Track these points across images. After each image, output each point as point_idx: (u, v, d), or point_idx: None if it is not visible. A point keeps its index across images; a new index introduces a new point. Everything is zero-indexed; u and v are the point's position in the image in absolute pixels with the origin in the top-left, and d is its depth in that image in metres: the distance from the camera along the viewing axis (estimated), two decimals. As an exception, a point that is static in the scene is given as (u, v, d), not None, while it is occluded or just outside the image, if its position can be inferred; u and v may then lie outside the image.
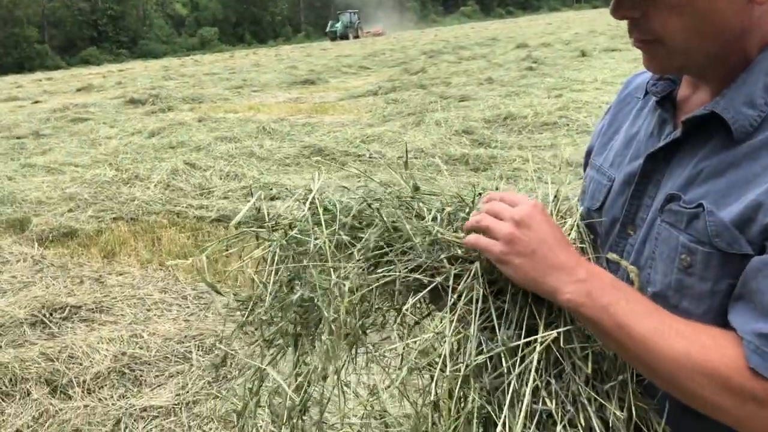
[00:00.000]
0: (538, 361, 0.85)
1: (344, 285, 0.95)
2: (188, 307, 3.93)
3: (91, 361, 3.26)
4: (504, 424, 0.83)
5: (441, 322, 0.91)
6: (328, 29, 53.64)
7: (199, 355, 3.31)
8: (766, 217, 0.75)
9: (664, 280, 0.85)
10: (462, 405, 0.87)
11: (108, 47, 50.23)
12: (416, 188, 1.07)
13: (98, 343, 3.43)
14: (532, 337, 0.86)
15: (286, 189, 6.03)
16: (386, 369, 1.10)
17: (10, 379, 3.14)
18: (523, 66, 15.17)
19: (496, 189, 1.08)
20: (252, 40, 56.56)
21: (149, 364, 3.26)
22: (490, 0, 79.81)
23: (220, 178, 6.66)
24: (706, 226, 0.79)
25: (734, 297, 0.79)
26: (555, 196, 1.05)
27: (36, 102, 17.43)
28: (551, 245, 0.84)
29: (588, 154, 1.18)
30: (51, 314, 3.87)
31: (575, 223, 0.98)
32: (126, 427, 2.78)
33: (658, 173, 0.91)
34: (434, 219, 1.00)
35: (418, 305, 1.02)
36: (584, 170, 1.19)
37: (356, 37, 49.83)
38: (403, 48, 27.20)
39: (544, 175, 5.84)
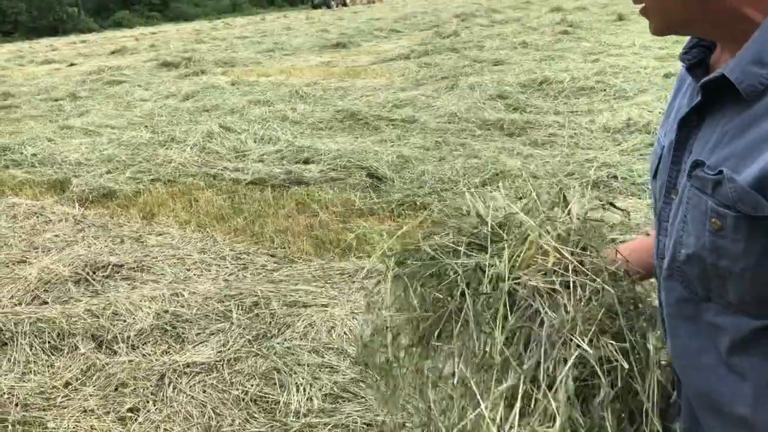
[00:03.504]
0: None
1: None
2: (227, 268, 4.00)
3: (134, 318, 3.35)
4: None
5: None
6: None
7: (239, 314, 3.38)
8: None
9: (698, 242, 0.87)
10: None
11: (140, 10, 50.25)
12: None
13: (140, 300, 3.52)
14: None
15: (320, 153, 6.06)
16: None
17: (58, 334, 3.24)
18: (558, 30, 14.83)
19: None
20: (283, 2, 56.08)
21: (190, 322, 3.34)
22: (525, -39, 77.78)
23: (255, 141, 6.69)
24: (729, 192, 0.81)
25: None
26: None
27: (71, 65, 17.61)
28: None
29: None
30: (94, 272, 3.97)
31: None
32: (170, 382, 2.86)
33: (691, 139, 0.93)
34: None
35: None
36: None
37: (343, 4, 45.64)
38: (434, 11, 26.78)
39: (580, 141, 5.75)
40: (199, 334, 3.25)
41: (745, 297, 0.84)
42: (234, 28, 29.05)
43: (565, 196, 1.13)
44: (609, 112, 6.89)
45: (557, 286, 0.96)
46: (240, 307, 3.45)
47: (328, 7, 44.73)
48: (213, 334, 3.23)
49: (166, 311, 3.42)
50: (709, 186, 0.85)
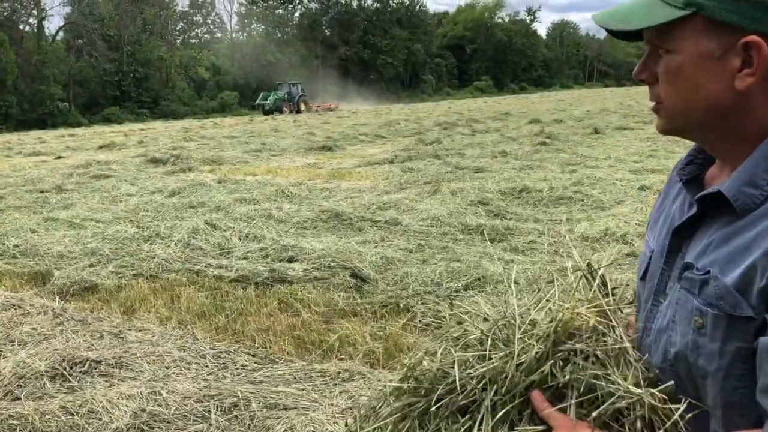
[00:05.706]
0: None
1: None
2: (207, 366, 3.95)
3: (110, 417, 3.27)
4: None
5: None
6: (257, 101, 47.80)
7: (218, 416, 3.32)
8: (762, 280, 0.83)
9: (683, 340, 0.94)
10: None
11: (130, 107, 51.38)
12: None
13: (118, 398, 3.44)
14: None
15: (304, 252, 6.12)
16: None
17: (30, 432, 3.15)
18: (537, 141, 15.44)
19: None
20: (271, 104, 57.83)
21: (168, 422, 3.27)
22: (504, 76, 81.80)
23: (240, 239, 6.75)
24: (714, 290, 0.89)
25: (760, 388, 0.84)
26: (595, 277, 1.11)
27: (59, 157, 17.83)
28: None
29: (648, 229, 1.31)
30: (71, 368, 3.89)
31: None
32: (144, 485, 2.77)
33: (683, 246, 1.01)
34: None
35: None
36: None
37: (297, 111, 44.79)
38: (417, 119, 27.77)
39: (560, 249, 5.84)
40: (177, 435, 3.17)
41: (717, 400, 0.89)
42: (222, 128, 29.80)
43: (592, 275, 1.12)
44: (587, 221, 7.10)
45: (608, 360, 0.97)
46: (219, 408, 3.39)
47: (281, 112, 44.03)
48: (191, 435, 3.16)
49: (144, 410, 3.34)
50: (697, 286, 0.92)
